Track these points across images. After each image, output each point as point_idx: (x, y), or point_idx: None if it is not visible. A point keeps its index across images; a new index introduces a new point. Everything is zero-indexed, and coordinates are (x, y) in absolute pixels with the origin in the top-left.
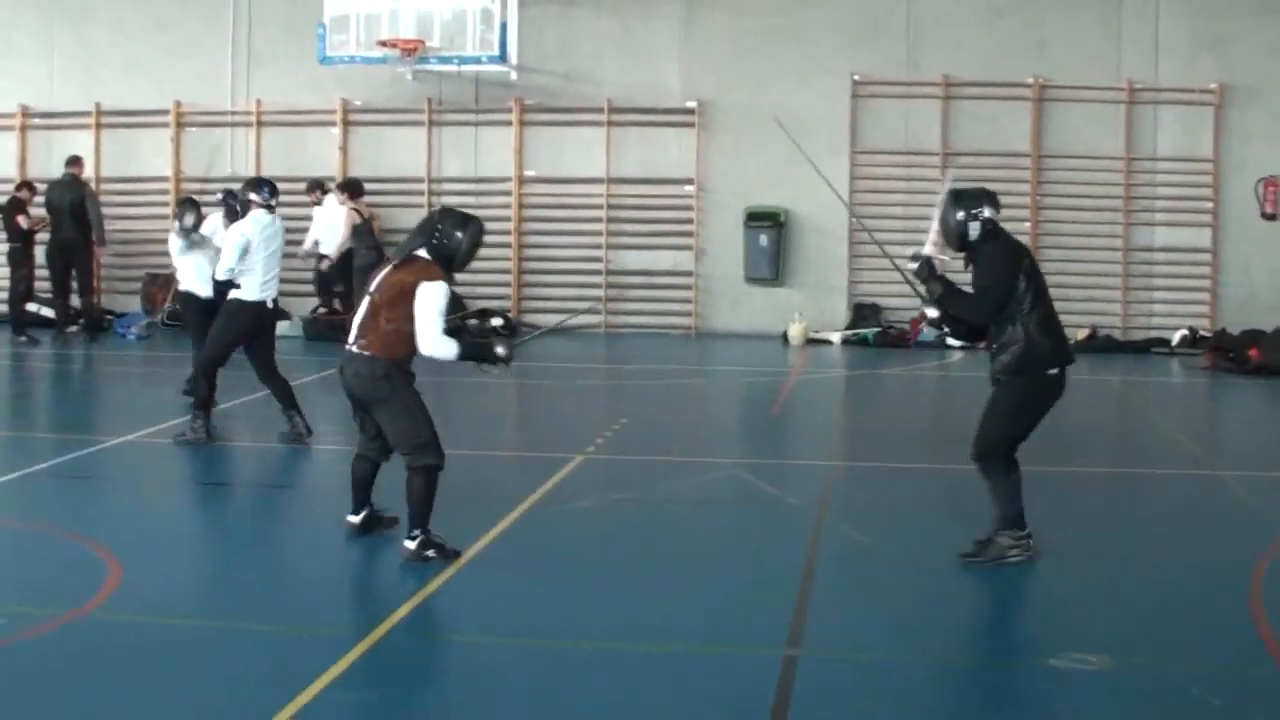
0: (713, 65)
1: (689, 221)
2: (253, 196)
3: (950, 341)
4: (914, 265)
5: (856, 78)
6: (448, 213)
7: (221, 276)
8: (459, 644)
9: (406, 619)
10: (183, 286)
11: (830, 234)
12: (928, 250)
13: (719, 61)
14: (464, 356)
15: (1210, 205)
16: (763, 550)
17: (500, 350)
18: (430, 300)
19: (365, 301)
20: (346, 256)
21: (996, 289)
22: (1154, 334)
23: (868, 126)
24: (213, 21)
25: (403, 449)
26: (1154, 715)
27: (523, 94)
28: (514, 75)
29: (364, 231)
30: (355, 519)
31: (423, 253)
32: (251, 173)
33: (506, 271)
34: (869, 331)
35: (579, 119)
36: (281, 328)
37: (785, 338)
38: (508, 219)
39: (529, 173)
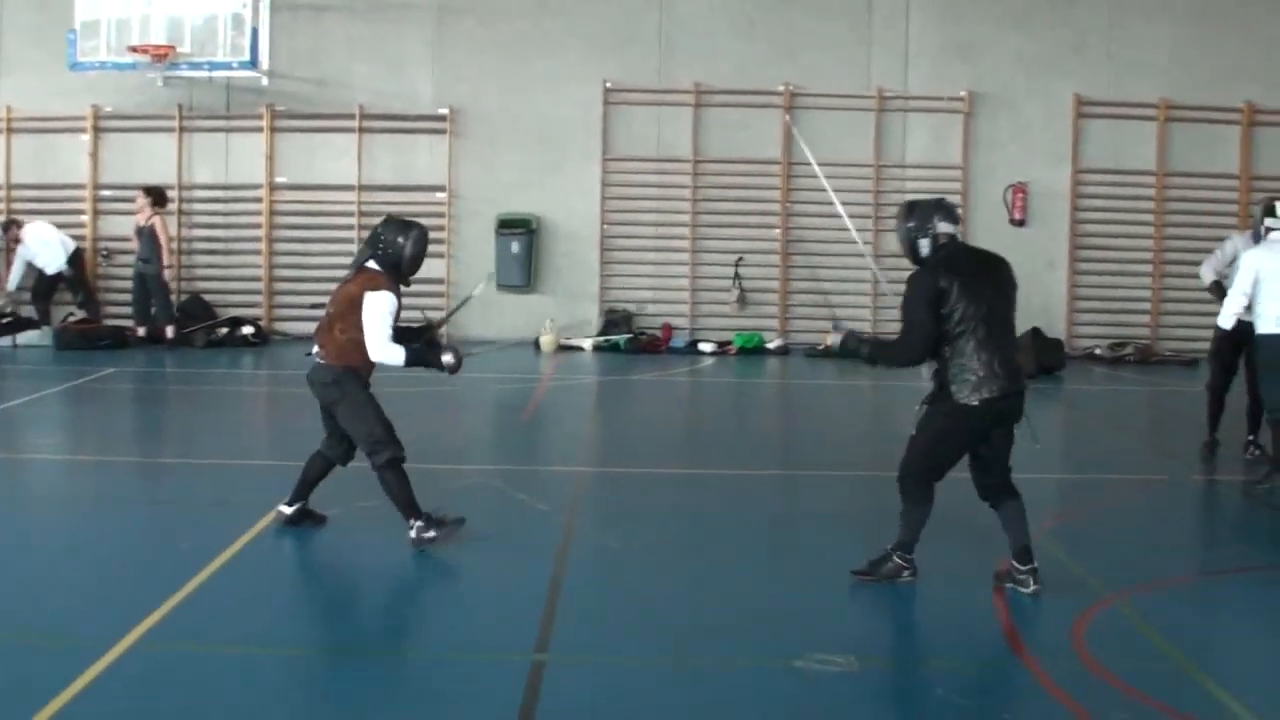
0: (465, 72)
1: (441, 229)
2: None
3: (702, 347)
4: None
5: (608, 85)
6: (389, 222)
7: None
8: (203, 654)
9: (154, 629)
10: None
11: (582, 241)
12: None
13: (471, 68)
14: (411, 362)
15: (959, 212)
16: (512, 556)
17: (447, 359)
18: (375, 309)
19: (324, 313)
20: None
21: (911, 329)
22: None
23: (619, 133)
24: None
25: (363, 448)
26: (901, 715)
27: (274, 100)
28: (265, 81)
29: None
30: (287, 509)
31: (372, 264)
32: (1, 179)
33: (258, 279)
34: (620, 338)
35: (331, 125)
36: (31, 337)
37: (537, 345)
38: (259, 226)
39: (280, 179)
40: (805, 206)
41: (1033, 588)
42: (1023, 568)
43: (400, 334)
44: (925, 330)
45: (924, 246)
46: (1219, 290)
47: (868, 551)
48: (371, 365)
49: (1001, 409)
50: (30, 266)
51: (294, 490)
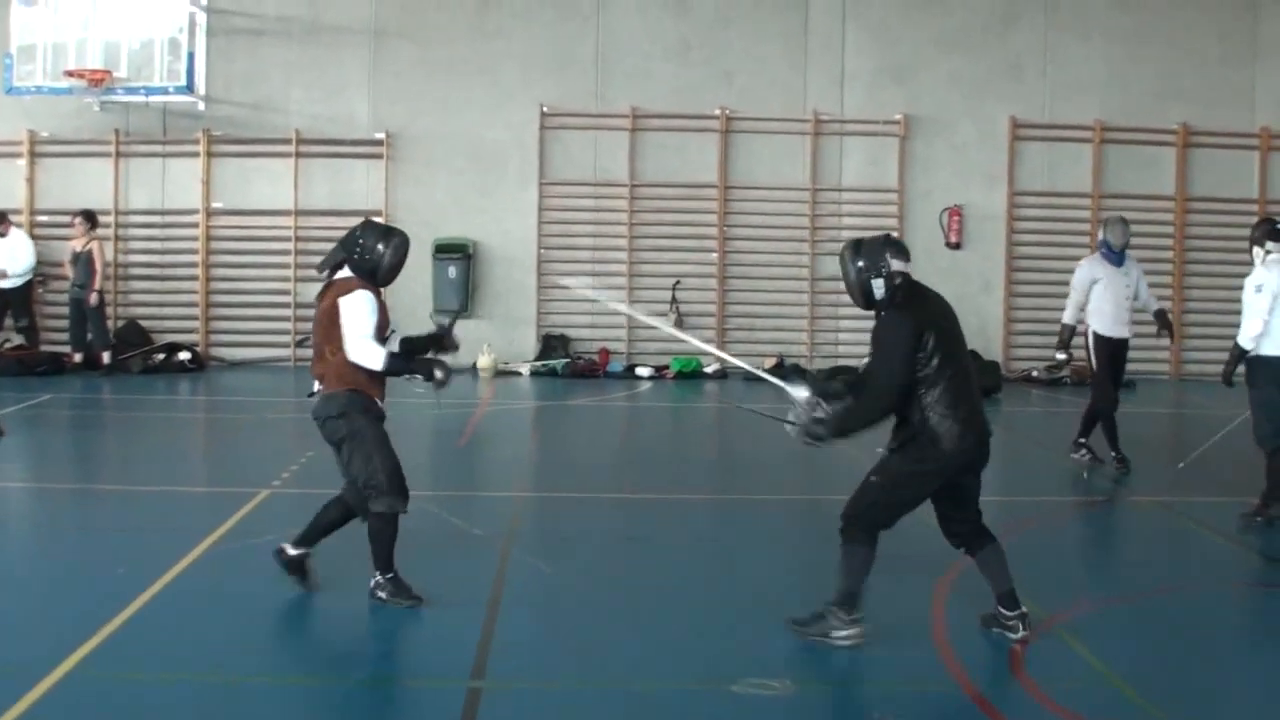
0: (402, 95)
1: None
2: None
3: (639, 371)
4: (794, 431)
5: (545, 108)
6: (369, 226)
7: None
8: (138, 682)
9: (89, 657)
10: None
11: (519, 265)
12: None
13: (408, 92)
14: (391, 369)
15: (896, 235)
16: (448, 582)
17: (438, 374)
18: (352, 310)
19: (312, 342)
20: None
21: (884, 378)
22: (840, 362)
23: (556, 157)
24: None
25: (363, 489)
26: None
27: (211, 125)
28: (202, 106)
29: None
30: (291, 550)
31: (344, 271)
32: None
33: (194, 305)
34: (558, 362)
35: (267, 150)
36: None
37: (474, 369)
38: (195, 252)
39: (216, 204)
40: (742, 230)
41: (1022, 634)
42: (1010, 614)
43: (409, 342)
44: (901, 380)
45: (878, 288)
46: (1069, 334)
47: (803, 574)
48: (379, 380)
49: (975, 456)
50: None
51: (303, 531)
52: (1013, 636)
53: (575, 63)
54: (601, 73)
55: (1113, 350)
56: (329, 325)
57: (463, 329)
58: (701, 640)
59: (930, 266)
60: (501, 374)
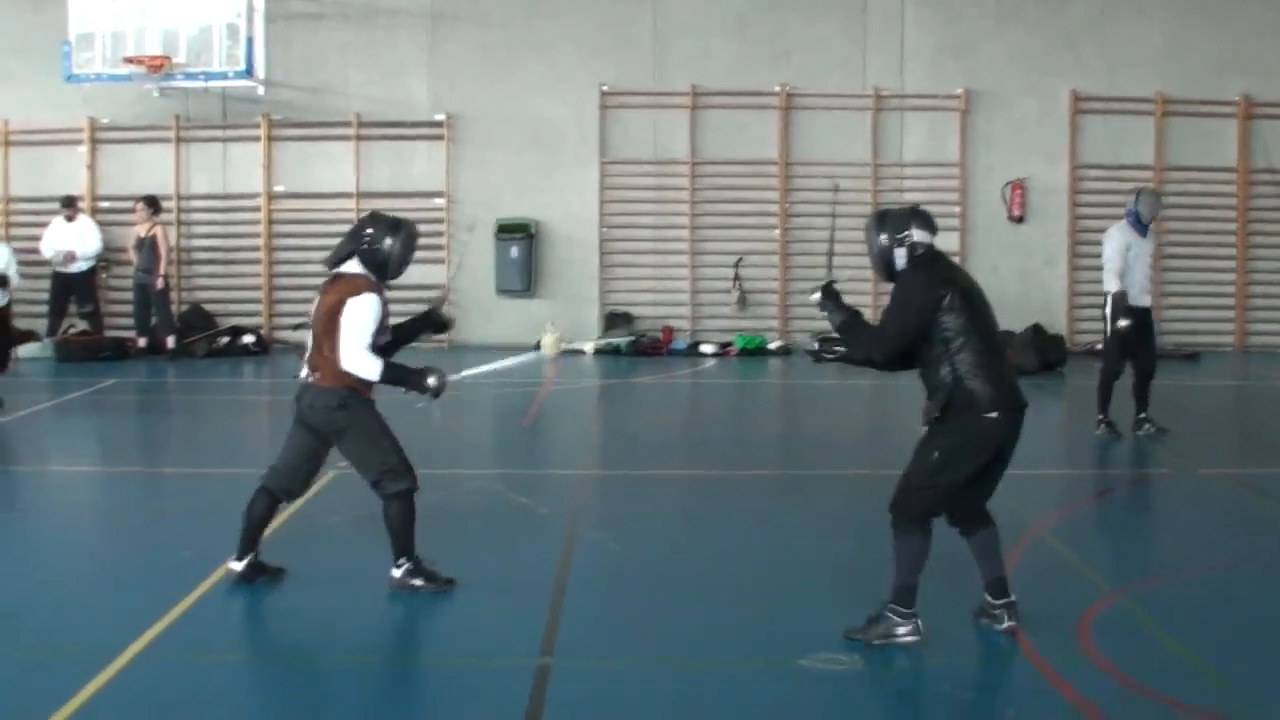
0: (460, 77)
1: (440, 235)
2: None
3: (703, 349)
4: (816, 296)
5: (604, 88)
6: (376, 218)
7: None
8: (207, 664)
9: (157, 639)
10: None
11: (581, 244)
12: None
13: (466, 73)
14: (387, 378)
15: (958, 210)
16: (514, 561)
17: (431, 381)
18: (355, 315)
19: (310, 333)
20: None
21: (894, 327)
22: None
23: (616, 136)
24: None
25: (370, 477)
26: (907, 713)
27: (270, 109)
28: (261, 90)
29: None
30: (238, 565)
31: (353, 264)
32: None
33: (258, 289)
34: (621, 340)
35: (327, 133)
36: (32, 349)
37: (538, 349)
38: (257, 235)
39: (278, 188)
40: (804, 207)
41: (1007, 624)
42: (997, 602)
43: (400, 329)
44: (907, 335)
45: (900, 258)
46: (1124, 298)
47: (869, 551)
48: (383, 381)
49: (1012, 427)
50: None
51: (241, 542)
52: (998, 627)
53: (633, 41)
54: (660, 51)
55: (1136, 319)
56: (330, 321)
57: (526, 308)
58: (768, 617)
59: (993, 241)
60: (565, 353)
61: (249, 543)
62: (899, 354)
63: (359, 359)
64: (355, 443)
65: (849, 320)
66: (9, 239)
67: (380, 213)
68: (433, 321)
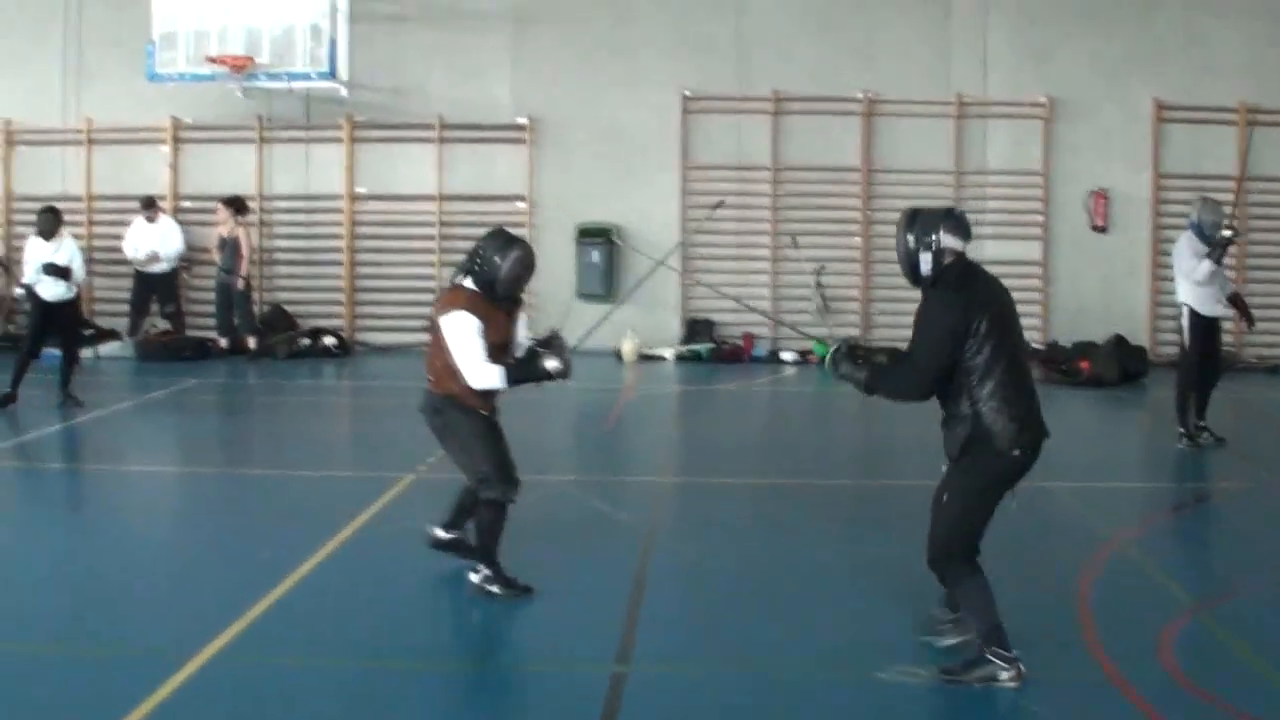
0: (543, 80)
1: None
2: None
3: (783, 356)
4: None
5: (686, 93)
6: (491, 237)
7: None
8: (282, 666)
9: (234, 640)
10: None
11: (662, 249)
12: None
13: (549, 77)
14: (514, 380)
15: (1040, 218)
16: (592, 566)
17: (553, 364)
18: (454, 333)
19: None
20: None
21: (925, 359)
22: None
23: (698, 141)
24: (41, 38)
25: (469, 481)
26: None
27: (353, 110)
28: (344, 91)
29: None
30: (439, 532)
31: (466, 280)
32: (82, 190)
33: (339, 290)
34: (703, 347)
35: (410, 135)
36: (113, 348)
37: (619, 354)
38: (340, 237)
39: (360, 190)
40: (886, 214)
41: (950, 640)
42: (946, 618)
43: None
44: (941, 363)
45: (925, 263)
46: (1241, 299)
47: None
48: (485, 394)
49: (1030, 459)
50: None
51: (450, 515)
52: (940, 643)
53: (716, 46)
54: (742, 56)
55: (1210, 329)
56: (434, 333)
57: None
58: (845, 627)
59: (1074, 250)
60: (645, 359)
61: (455, 521)
62: (941, 378)
63: (479, 373)
64: (452, 448)
65: (873, 375)
66: (92, 236)
67: (498, 231)
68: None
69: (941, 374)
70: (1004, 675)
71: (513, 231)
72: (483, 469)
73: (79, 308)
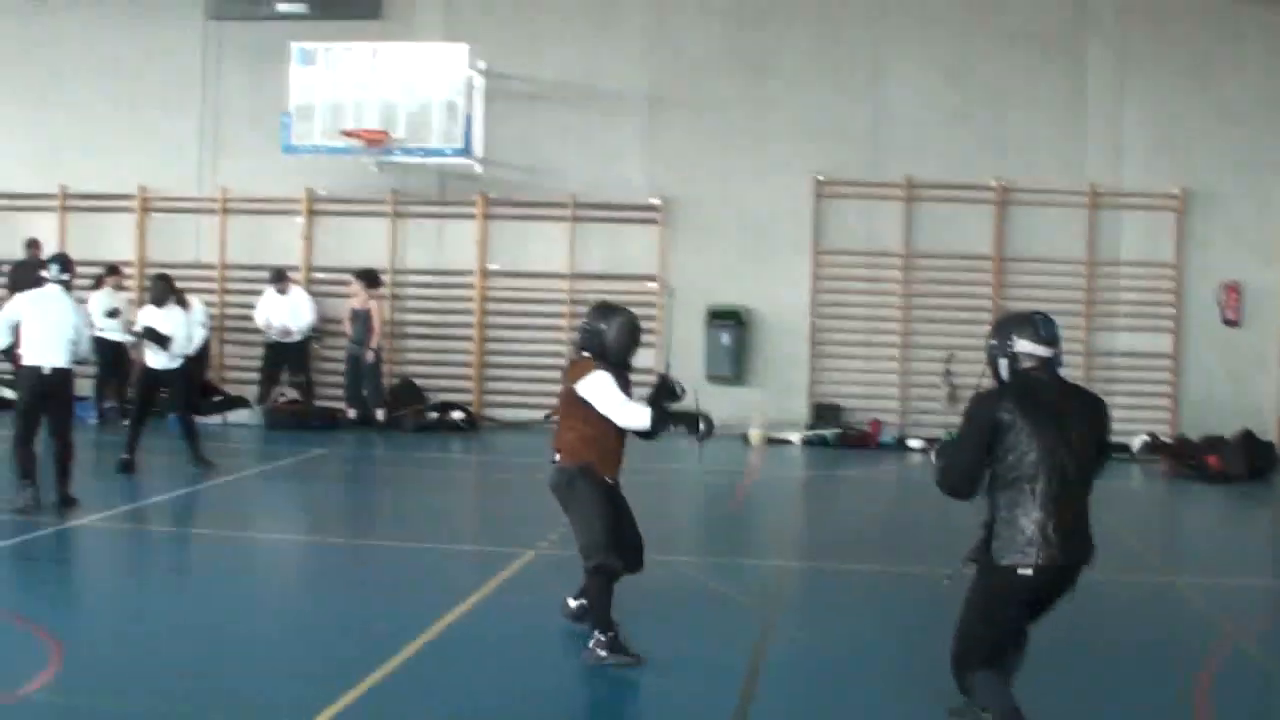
0: (677, 162)
1: (652, 319)
2: (44, 274)
3: (910, 443)
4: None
5: (819, 177)
6: (595, 307)
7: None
8: None
9: (349, 707)
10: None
11: (792, 333)
12: None
13: (683, 158)
14: (658, 421)
15: (1172, 310)
16: (709, 647)
17: (701, 424)
18: (596, 390)
19: (559, 415)
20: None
21: (956, 454)
22: (1115, 439)
23: (830, 226)
24: (179, 107)
25: (579, 546)
26: None
27: (487, 187)
28: (479, 168)
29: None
30: (572, 601)
31: (584, 353)
32: (216, 259)
33: (469, 365)
34: (830, 432)
35: (543, 213)
36: (242, 416)
37: (745, 437)
38: (470, 312)
39: (492, 266)
40: (1017, 303)
41: None
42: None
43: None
44: (965, 469)
45: (1003, 368)
46: None
47: (1069, 648)
48: (612, 459)
49: (1051, 585)
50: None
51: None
52: None
53: (850, 132)
54: (876, 142)
55: None
56: (568, 403)
57: (734, 395)
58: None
59: (1205, 343)
60: (772, 442)
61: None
62: (968, 483)
63: (626, 413)
64: (574, 515)
65: (938, 451)
66: (224, 305)
67: (604, 302)
68: (665, 390)
69: (971, 479)
70: None
71: (641, 315)
72: (595, 537)
73: (190, 375)
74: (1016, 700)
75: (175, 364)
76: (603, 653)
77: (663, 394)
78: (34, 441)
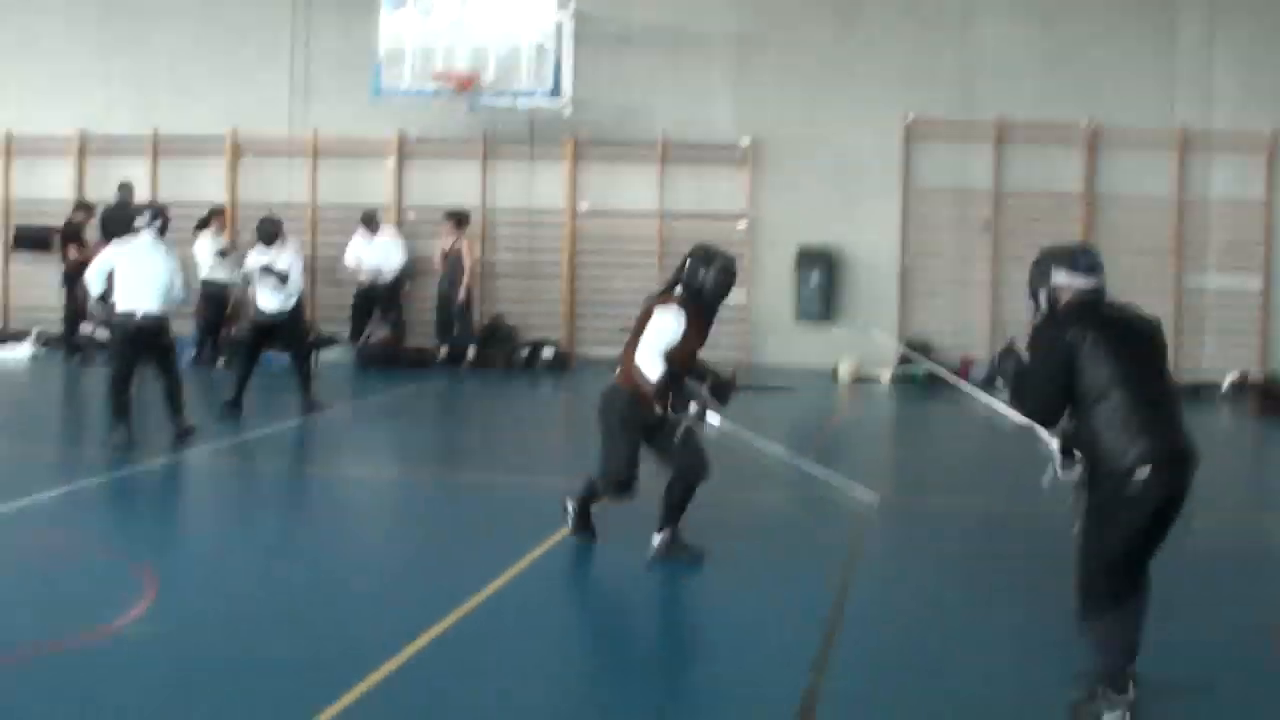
0: (765, 103)
1: (741, 257)
2: (137, 223)
3: (999, 382)
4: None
5: (910, 118)
6: (697, 249)
7: (93, 292)
8: (483, 669)
9: (436, 641)
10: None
11: (881, 272)
12: None
13: (772, 99)
14: (662, 386)
15: (1262, 250)
16: (794, 581)
17: (693, 408)
18: (656, 323)
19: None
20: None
21: (1028, 390)
22: (1204, 377)
23: (920, 166)
24: (270, 51)
25: (599, 471)
26: None
27: (577, 129)
28: (568, 111)
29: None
30: (656, 537)
31: (678, 289)
32: (307, 201)
33: (558, 304)
34: (918, 370)
35: (632, 154)
36: (334, 354)
37: (834, 374)
38: (560, 251)
39: (582, 206)
40: (1106, 242)
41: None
42: (1122, 696)
43: (705, 377)
44: (1043, 389)
45: (1041, 300)
46: None
47: (1171, 587)
48: (656, 392)
49: (1171, 485)
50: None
51: (662, 515)
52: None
53: (940, 72)
54: (966, 82)
55: None
56: (639, 328)
57: (823, 334)
58: (1044, 659)
59: None
60: (861, 380)
61: (668, 519)
62: (1048, 411)
63: (648, 359)
64: (604, 436)
65: (1015, 378)
66: (316, 246)
67: (702, 245)
68: (721, 389)
69: (1051, 406)
70: (1108, 716)
71: (726, 249)
72: (611, 466)
73: (301, 317)
74: (1134, 663)
75: (289, 304)
76: (657, 542)
77: (718, 389)
78: (130, 383)
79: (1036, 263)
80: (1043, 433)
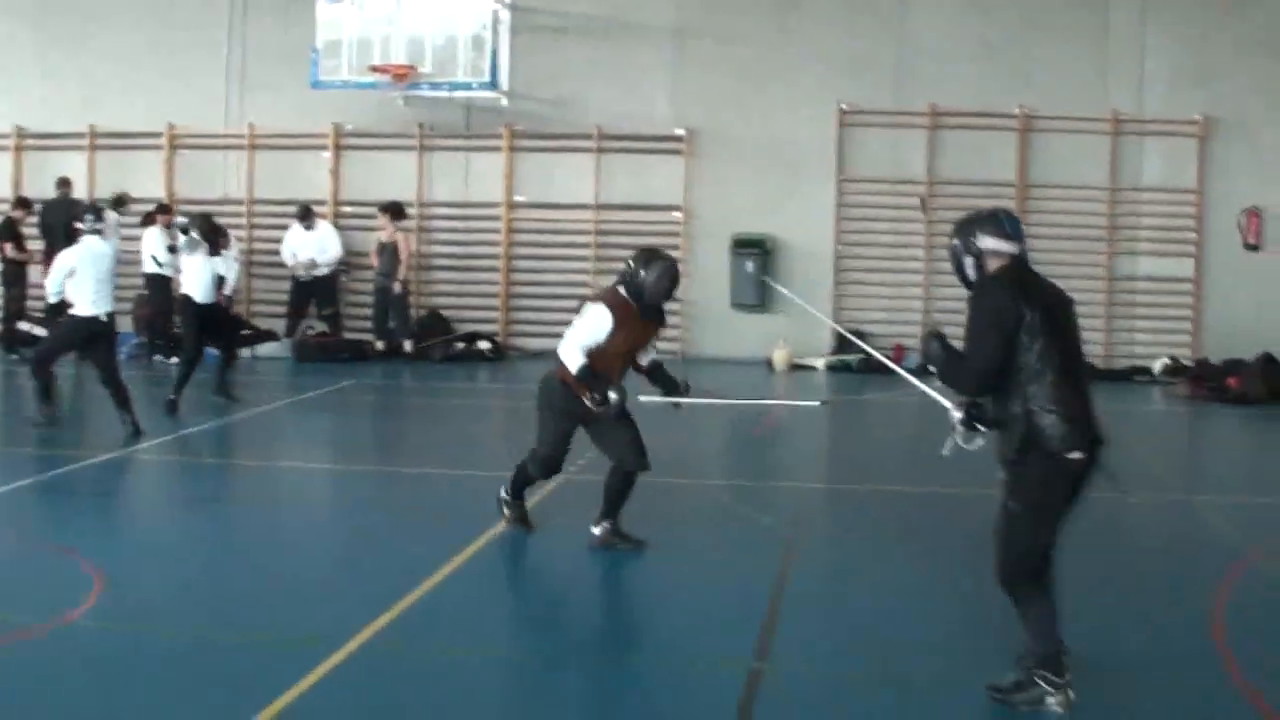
0: (701, 93)
1: (676, 248)
2: (80, 225)
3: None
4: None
5: (844, 107)
6: (641, 252)
7: (51, 299)
8: (428, 656)
9: (382, 630)
10: (183, 290)
11: (816, 261)
12: None
13: (708, 89)
14: (579, 377)
15: (1194, 236)
16: (735, 568)
17: (611, 395)
18: (586, 318)
19: None
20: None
21: (978, 355)
22: (1136, 363)
23: (855, 155)
24: (207, 46)
25: (532, 450)
26: None
27: (513, 120)
28: (505, 101)
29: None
30: (596, 530)
31: (620, 288)
32: (243, 195)
33: (495, 295)
34: (853, 357)
35: (568, 145)
36: (270, 349)
37: (770, 363)
38: (497, 244)
39: (518, 198)
40: (1039, 229)
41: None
42: (1058, 679)
43: (654, 374)
44: (994, 357)
45: (968, 266)
46: None
47: (1101, 568)
48: (575, 382)
49: (1091, 466)
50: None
51: (602, 509)
52: (1052, 708)
53: (875, 62)
54: (900, 71)
55: None
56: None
57: (758, 323)
58: (980, 633)
59: (1226, 268)
60: (796, 368)
61: (607, 512)
62: (992, 375)
63: (570, 351)
64: (540, 418)
65: (945, 360)
66: (252, 240)
67: (650, 249)
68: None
69: (996, 369)
70: (1051, 701)
71: (665, 244)
72: (543, 448)
73: (233, 310)
74: (1059, 638)
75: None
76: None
77: (597, 385)
78: (53, 364)
79: (961, 229)
80: (946, 402)
